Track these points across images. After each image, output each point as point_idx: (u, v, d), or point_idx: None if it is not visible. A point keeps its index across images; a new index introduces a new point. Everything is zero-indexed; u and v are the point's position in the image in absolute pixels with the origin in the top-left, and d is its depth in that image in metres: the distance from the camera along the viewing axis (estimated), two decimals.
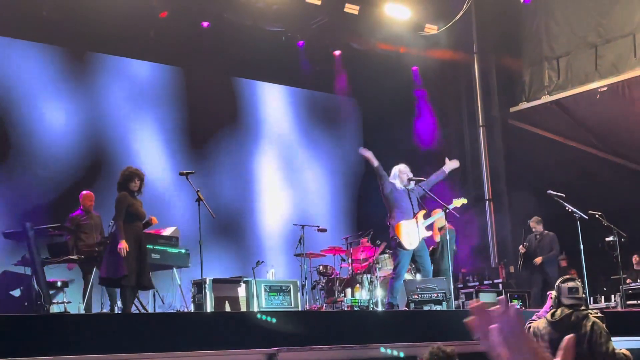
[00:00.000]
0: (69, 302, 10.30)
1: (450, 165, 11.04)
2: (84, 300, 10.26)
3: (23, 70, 13.21)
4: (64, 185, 13.14)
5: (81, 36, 13.42)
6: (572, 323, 5.92)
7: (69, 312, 9.63)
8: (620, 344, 6.36)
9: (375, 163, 10.63)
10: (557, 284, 6.17)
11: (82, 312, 9.90)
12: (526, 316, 6.36)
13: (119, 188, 9.38)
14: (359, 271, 12.55)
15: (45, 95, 13.38)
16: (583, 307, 6.09)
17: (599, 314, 6.13)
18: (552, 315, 6.09)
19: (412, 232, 10.35)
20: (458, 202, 11.15)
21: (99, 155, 13.76)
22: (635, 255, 14.00)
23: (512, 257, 15.51)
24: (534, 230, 13.06)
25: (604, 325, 6.00)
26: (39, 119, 13.25)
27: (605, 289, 13.55)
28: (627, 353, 6.06)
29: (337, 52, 15.98)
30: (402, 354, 7.20)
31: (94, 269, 10.50)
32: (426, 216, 10.73)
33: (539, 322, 6.14)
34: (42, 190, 12.98)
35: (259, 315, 7.52)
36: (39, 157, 13.15)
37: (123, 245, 8.91)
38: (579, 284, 6.18)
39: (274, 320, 7.36)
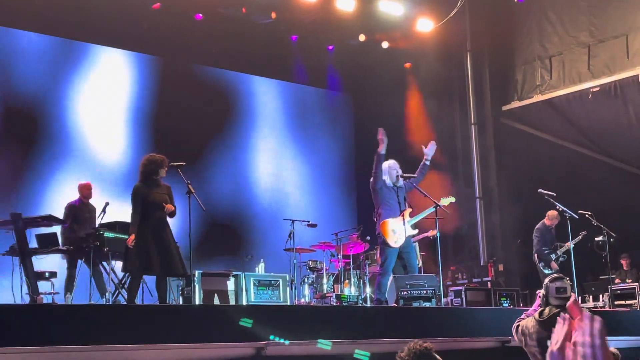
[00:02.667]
0: (57, 292, 10.26)
1: (429, 151, 10.77)
2: (69, 291, 10.21)
3: (12, 57, 13.15)
4: (48, 175, 13.10)
5: (73, 26, 13.36)
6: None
7: (57, 303, 9.59)
8: (609, 344, 6.36)
9: (383, 151, 10.49)
10: (545, 282, 6.16)
11: (70, 302, 9.86)
12: (516, 315, 6.36)
13: (143, 177, 9.25)
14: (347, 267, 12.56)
15: (34, 84, 13.32)
16: None
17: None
18: (540, 314, 6.09)
19: (398, 229, 10.33)
20: (446, 201, 11.11)
21: (87, 146, 13.72)
22: (623, 258, 14.04)
23: (502, 255, 15.54)
24: (553, 223, 12.95)
25: None
26: (29, 106, 13.19)
27: (593, 288, 13.58)
28: (616, 351, 6.06)
29: (331, 47, 15.96)
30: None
31: (81, 261, 10.48)
32: (413, 214, 10.71)
33: (527, 320, 6.12)
34: (29, 179, 12.92)
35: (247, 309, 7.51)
36: (26, 145, 13.10)
37: (130, 239, 8.89)
38: (568, 283, 6.16)
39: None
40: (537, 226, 13.15)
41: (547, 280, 6.18)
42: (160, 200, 9.07)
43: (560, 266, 12.58)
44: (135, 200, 9.11)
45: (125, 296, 10.36)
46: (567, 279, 6.24)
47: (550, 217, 13.01)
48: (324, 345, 6.95)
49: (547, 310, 6.06)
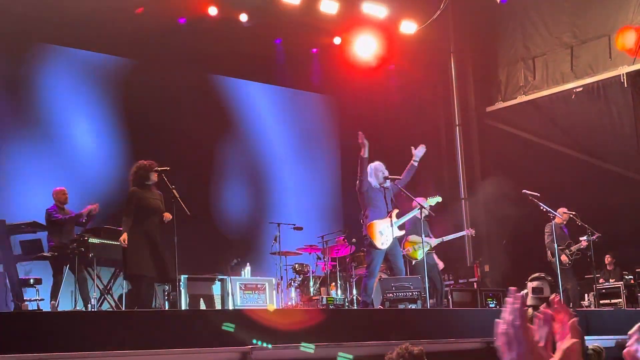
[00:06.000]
0: (42, 299, 10.22)
1: (418, 152, 10.88)
2: (54, 298, 10.16)
3: None
4: (29, 181, 13.01)
5: (57, 31, 13.30)
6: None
7: (42, 310, 9.56)
8: (594, 343, 6.39)
9: (366, 154, 10.52)
10: (527, 282, 6.18)
11: (56, 309, 9.81)
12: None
13: (136, 184, 9.32)
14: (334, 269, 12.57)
15: (19, 90, 13.28)
16: None
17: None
18: None
19: (384, 231, 10.35)
20: (432, 201, 11.19)
21: (69, 151, 13.66)
22: (607, 256, 14.08)
23: (487, 256, 15.58)
24: (563, 220, 12.86)
25: None
26: (15, 113, 13.14)
27: (578, 288, 13.64)
28: (598, 346, 6.08)
29: (315, 50, 15.96)
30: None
31: (66, 267, 10.42)
32: (399, 215, 10.74)
33: None
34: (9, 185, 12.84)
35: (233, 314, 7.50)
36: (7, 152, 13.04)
37: (123, 238, 8.95)
38: (547, 283, 6.17)
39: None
40: (548, 223, 13.12)
41: (528, 279, 6.21)
42: (154, 206, 9.22)
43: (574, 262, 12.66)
44: (129, 204, 9.19)
45: (111, 302, 10.34)
46: (550, 278, 6.26)
47: (560, 215, 12.98)
48: (307, 348, 6.95)
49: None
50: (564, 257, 12.66)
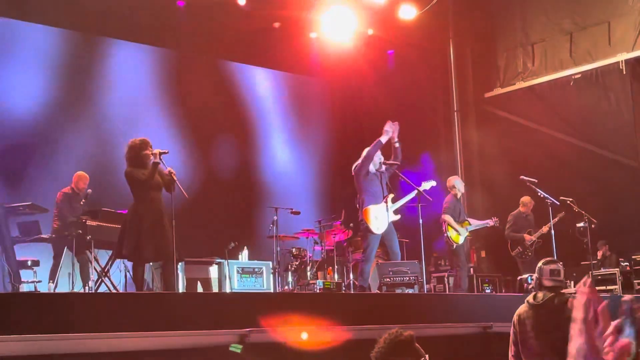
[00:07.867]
0: (39, 281, 10.23)
1: (387, 129, 10.73)
2: (52, 280, 10.18)
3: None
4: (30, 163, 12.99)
5: (58, 15, 13.25)
6: (555, 307, 5.86)
7: (39, 291, 9.58)
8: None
9: (384, 141, 10.56)
10: (539, 265, 6.15)
11: (53, 291, 9.84)
12: (498, 301, 6.39)
13: (131, 163, 9.15)
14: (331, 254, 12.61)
15: (19, 72, 13.24)
16: (564, 290, 6.08)
17: None
18: (534, 297, 6.02)
19: (380, 216, 10.38)
20: (427, 185, 11.21)
21: (67, 133, 13.63)
22: (600, 245, 14.08)
23: (484, 242, 15.61)
24: (527, 209, 12.96)
25: None
26: (13, 96, 13.12)
27: (574, 274, 13.66)
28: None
29: (314, 35, 15.89)
30: None
31: (65, 249, 10.44)
32: (395, 200, 10.76)
33: (520, 308, 6.07)
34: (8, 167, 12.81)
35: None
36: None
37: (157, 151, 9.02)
38: (561, 266, 6.16)
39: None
40: (512, 212, 13.23)
41: (540, 263, 6.17)
42: (155, 182, 9.06)
43: (540, 251, 12.63)
44: (132, 178, 8.99)
45: (109, 285, 10.36)
46: (561, 262, 6.23)
47: (524, 204, 13.09)
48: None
49: (540, 294, 6.00)
50: (528, 236, 12.70)
